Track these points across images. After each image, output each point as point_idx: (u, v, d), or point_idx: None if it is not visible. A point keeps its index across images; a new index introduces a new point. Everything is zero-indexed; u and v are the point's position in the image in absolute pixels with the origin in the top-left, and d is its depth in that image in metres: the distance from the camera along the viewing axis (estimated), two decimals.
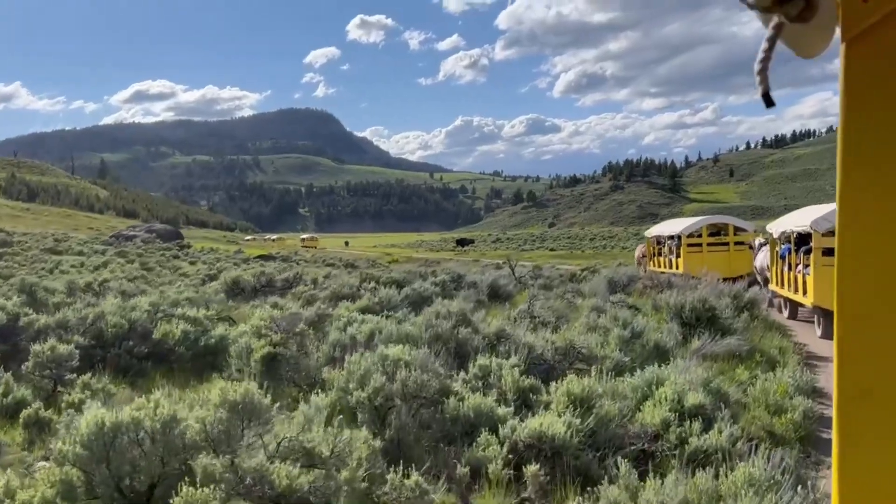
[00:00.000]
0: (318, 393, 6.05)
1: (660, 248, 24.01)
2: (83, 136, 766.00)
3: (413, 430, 5.32)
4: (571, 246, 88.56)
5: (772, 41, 0.78)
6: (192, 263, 32.60)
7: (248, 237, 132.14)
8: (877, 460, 0.91)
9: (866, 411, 0.91)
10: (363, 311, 11.15)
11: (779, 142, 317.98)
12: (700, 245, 20.87)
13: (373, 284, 13.95)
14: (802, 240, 13.42)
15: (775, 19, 0.77)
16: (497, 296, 15.78)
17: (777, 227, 15.20)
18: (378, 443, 4.68)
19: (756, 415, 6.57)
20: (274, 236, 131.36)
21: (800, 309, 14.15)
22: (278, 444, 3.84)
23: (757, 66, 0.78)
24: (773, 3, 0.74)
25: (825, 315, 11.91)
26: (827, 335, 11.63)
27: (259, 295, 14.35)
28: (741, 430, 5.64)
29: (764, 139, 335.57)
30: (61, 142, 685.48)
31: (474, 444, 5.12)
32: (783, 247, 14.57)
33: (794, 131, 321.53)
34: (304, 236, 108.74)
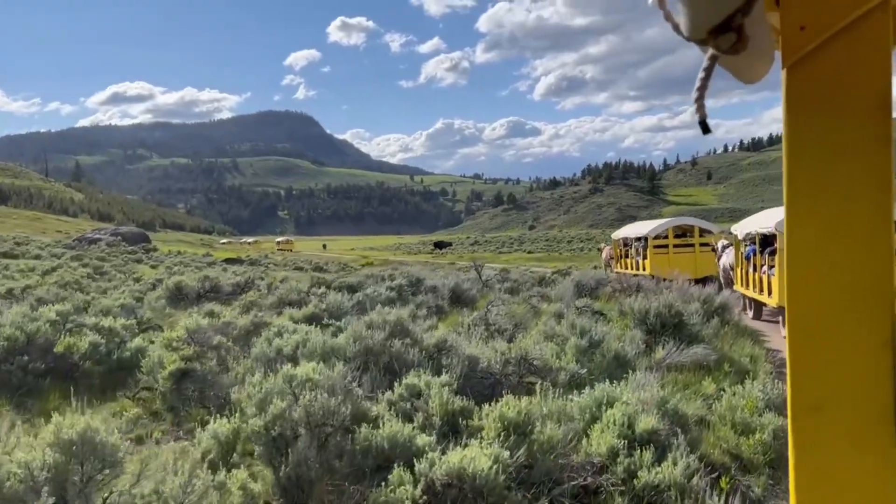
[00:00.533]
0: (217, 418, 5.20)
1: (626, 250, 23.84)
2: (58, 139, 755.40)
3: (315, 466, 4.50)
4: (549, 248, 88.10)
5: (707, 71, 0.82)
6: (153, 267, 31.41)
7: (224, 240, 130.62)
8: (830, 472, 0.95)
9: (819, 423, 0.94)
10: (309, 319, 10.31)
11: (756, 145, 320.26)
12: (666, 247, 20.85)
13: (322, 289, 13.07)
14: (766, 241, 13.33)
15: (710, 51, 0.79)
16: (459, 300, 15.03)
17: (741, 228, 15.14)
18: (259, 486, 3.86)
19: (721, 436, 5.86)
20: (250, 239, 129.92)
21: (764, 309, 14.24)
22: (104, 500, 3.00)
23: (694, 95, 0.82)
24: (707, 35, 0.75)
25: None
26: None
27: (203, 301, 13.42)
28: (700, 458, 4.89)
29: (741, 142, 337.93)
30: (36, 144, 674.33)
31: (385, 482, 4.31)
32: (748, 248, 14.46)
33: (770, 134, 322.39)
34: (280, 239, 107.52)
